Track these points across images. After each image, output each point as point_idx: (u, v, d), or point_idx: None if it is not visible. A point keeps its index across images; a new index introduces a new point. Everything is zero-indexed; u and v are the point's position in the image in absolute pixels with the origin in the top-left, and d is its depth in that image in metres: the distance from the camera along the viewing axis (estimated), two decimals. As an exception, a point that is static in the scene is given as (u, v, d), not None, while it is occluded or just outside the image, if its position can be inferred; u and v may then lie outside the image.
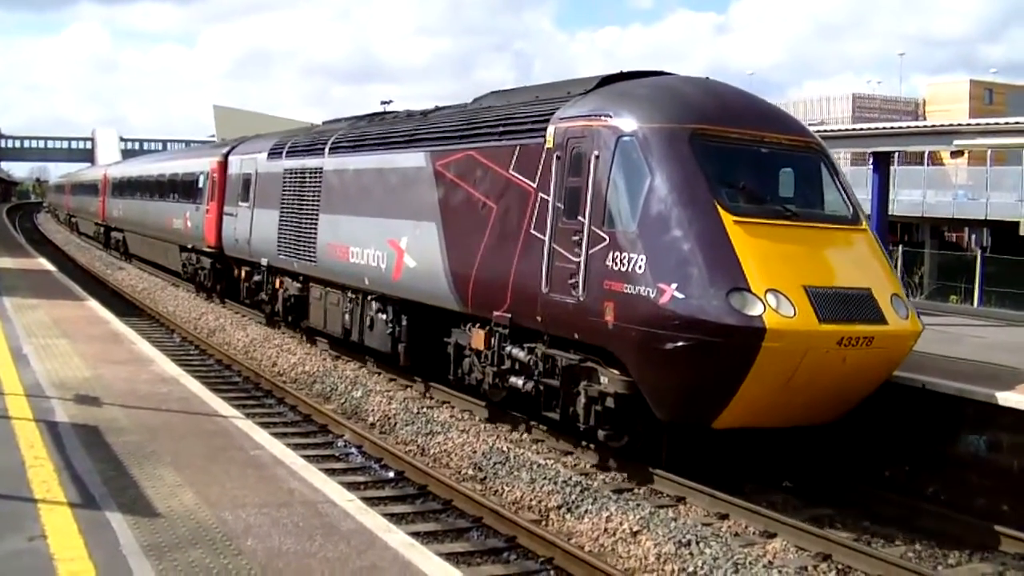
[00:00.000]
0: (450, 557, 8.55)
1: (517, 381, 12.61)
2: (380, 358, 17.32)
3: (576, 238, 11.15)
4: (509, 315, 12.49)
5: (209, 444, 9.95)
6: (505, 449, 12.38)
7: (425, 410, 14.57)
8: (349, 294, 17.59)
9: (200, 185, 27.63)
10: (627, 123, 11.04)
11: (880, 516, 10.59)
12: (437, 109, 16.83)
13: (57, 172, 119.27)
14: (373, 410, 14.93)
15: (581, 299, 10.95)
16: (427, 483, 11.54)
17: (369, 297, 16.66)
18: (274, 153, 21.79)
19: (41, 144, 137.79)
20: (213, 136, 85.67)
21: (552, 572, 9.21)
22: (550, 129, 12.04)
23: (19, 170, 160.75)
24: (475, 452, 12.43)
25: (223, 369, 18.96)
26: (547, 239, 11.68)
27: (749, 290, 9.75)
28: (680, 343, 9.86)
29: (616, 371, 10.87)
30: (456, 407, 14.96)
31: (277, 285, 21.39)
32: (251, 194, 22.87)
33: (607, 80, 12.22)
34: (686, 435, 11.42)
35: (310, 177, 19.35)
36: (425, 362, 15.78)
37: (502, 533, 9.99)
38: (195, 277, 28.78)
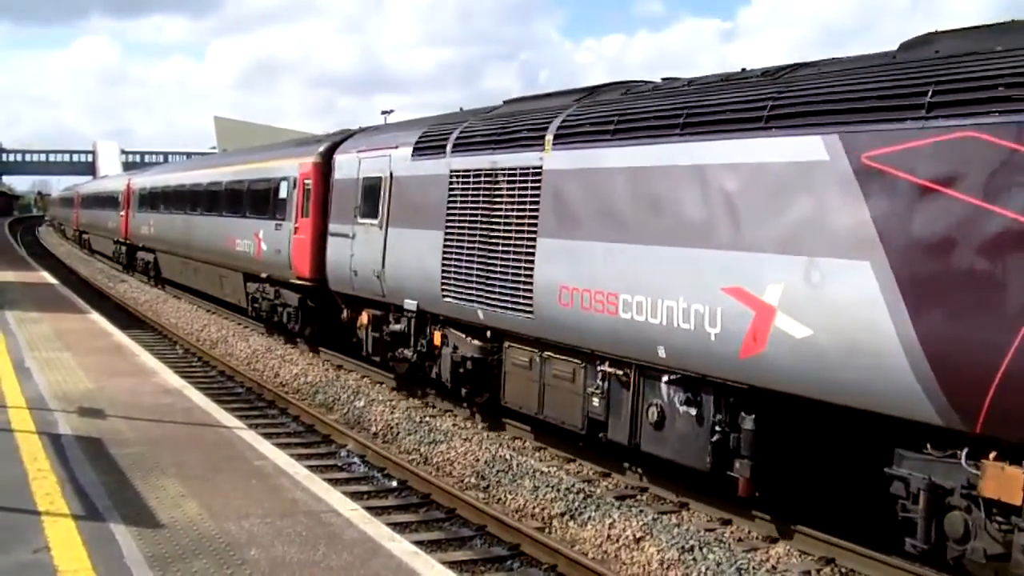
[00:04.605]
0: (454, 565, 8.57)
1: None
2: (673, 475, 11.02)
3: None
4: None
5: (212, 455, 9.97)
6: (508, 457, 12.39)
7: (428, 419, 14.59)
8: (605, 368, 11.07)
9: (282, 195, 21.17)
10: None
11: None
12: (803, 65, 9.89)
13: (59, 185, 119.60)
14: (376, 420, 14.95)
15: None
16: (430, 492, 11.55)
17: (666, 379, 10.28)
18: (426, 148, 15.10)
19: (42, 157, 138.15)
20: (215, 148, 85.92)
21: (556, 579, 9.21)
22: None
23: (21, 184, 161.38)
24: (478, 460, 12.45)
25: (226, 380, 18.97)
26: None
27: None
28: None
29: None
30: (459, 416, 14.94)
31: (437, 340, 14.71)
32: (382, 207, 16.15)
33: None
34: None
35: (512, 181, 12.58)
36: (784, 492, 9.95)
37: (505, 541, 10.00)
38: (271, 316, 22.39)
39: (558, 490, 11.04)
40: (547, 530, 10.42)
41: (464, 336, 13.90)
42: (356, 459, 13.22)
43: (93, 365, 14.96)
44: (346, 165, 18.08)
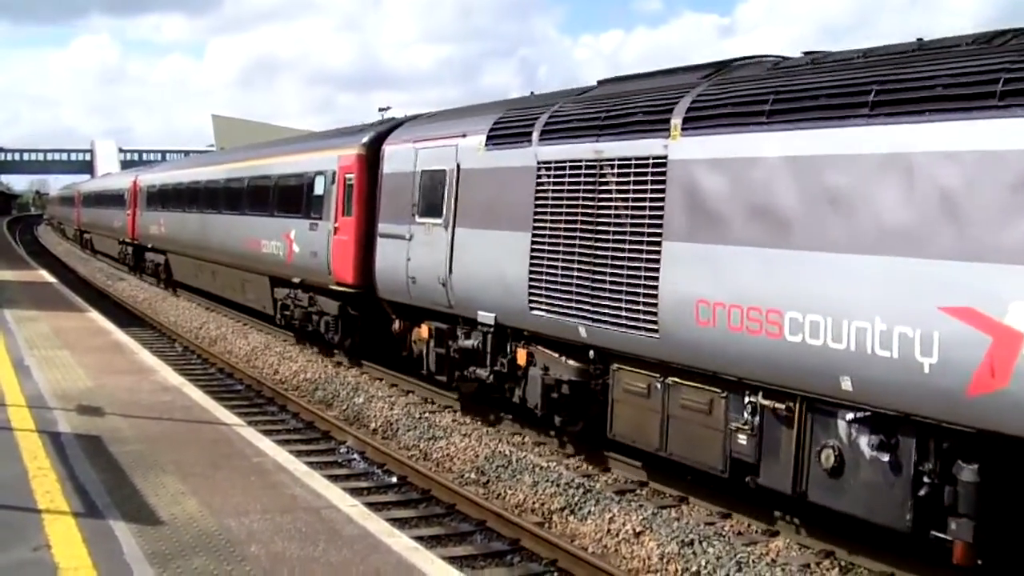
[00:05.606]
0: (453, 561, 8.56)
1: None
2: (842, 530, 9.23)
3: None
4: None
5: (212, 452, 9.98)
6: (507, 452, 12.40)
7: (427, 415, 14.60)
8: (758, 399, 9.08)
9: (317, 191, 18.92)
10: None
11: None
12: None
13: (57, 184, 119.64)
14: (375, 416, 14.95)
15: None
16: (430, 488, 11.56)
17: (850, 417, 8.25)
18: (504, 135, 12.94)
19: (40, 156, 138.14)
20: (212, 146, 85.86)
21: (556, 574, 9.22)
22: None
23: (19, 183, 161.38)
24: (477, 456, 12.46)
25: (225, 378, 18.98)
26: None
27: None
28: None
29: None
30: (458, 412, 14.95)
31: (521, 360, 12.67)
32: (448, 204, 14.01)
33: None
34: None
35: (624, 174, 10.51)
36: (1009, 560, 7.93)
37: (505, 536, 10.02)
38: (304, 325, 20.22)
39: (558, 485, 11.04)
40: (547, 525, 10.42)
41: (557, 356, 11.93)
42: (356, 455, 13.24)
43: (92, 363, 14.97)
44: (398, 157, 15.79)
